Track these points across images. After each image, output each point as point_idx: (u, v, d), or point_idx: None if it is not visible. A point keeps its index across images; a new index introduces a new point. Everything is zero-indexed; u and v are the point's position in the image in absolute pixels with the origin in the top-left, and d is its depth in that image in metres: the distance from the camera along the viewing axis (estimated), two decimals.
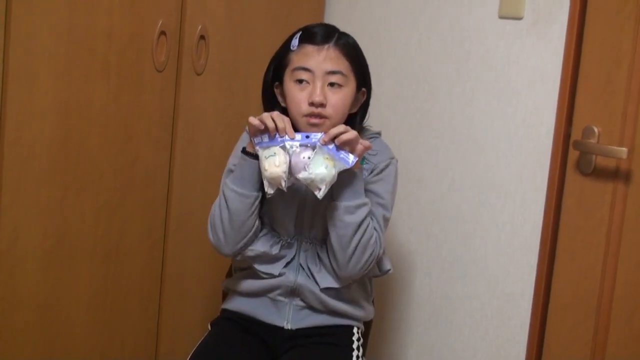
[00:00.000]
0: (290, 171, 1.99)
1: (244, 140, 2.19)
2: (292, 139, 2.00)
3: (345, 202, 2.05)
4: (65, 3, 2.06)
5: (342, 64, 2.11)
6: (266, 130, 2.01)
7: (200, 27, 2.42)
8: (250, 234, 2.13)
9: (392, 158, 2.22)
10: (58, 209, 2.14)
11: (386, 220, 2.18)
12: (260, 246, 2.16)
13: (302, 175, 1.97)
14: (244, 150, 2.09)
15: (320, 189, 1.96)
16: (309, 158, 1.96)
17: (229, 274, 2.40)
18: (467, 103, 2.64)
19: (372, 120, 2.27)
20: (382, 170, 2.18)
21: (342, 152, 2.00)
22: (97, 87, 2.18)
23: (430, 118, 2.73)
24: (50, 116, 2.08)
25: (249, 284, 2.22)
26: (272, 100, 2.20)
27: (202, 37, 2.43)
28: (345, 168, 2.00)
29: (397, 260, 2.80)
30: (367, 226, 2.07)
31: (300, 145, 2.00)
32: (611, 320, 2.33)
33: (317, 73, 2.08)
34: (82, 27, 2.11)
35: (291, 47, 2.13)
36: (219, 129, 2.57)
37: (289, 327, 2.19)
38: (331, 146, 2.00)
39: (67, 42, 2.08)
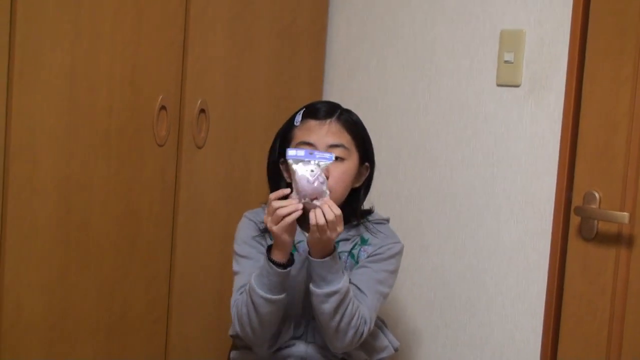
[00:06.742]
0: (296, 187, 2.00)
1: (245, 226, 2.23)
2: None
3: (318, 290, 2.05)
4: (66, 79, 2.08)
5: (344, 138, 2.14)
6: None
7: (200, 101, 2.44)
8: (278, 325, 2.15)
9: (397, 242, 2.25)
10: (60, 286, 2.13)
11: (382, 294, 2.18)
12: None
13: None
14: (270, 258, 2.04)
15: None
16: (312, 171, 1.98)
17: (234, 347, 2.38)
18: (467, 170, 2.65)
19: (372, 189, 2.27)
20: (384, 250, 2.21)
21: None
22: (98, 162, 2.19)
23: (431, 185, 2.74)
24: (52, 192, 2.08)
25: (259, 355, 2.21)
26: (277, 175, 2.22)
27: (202, 110, 2.45)
28: None
29: (401, 329, 2.78)
30: (345, 310, 2.05)
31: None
32: None
33: (319, 147, 2.11)
34: (83, 104, 2.12)
35: (295, 123, 2.17)
36: (221, 202, 2.57)
37: None
38: None
39: (68, 119, 2.09)
